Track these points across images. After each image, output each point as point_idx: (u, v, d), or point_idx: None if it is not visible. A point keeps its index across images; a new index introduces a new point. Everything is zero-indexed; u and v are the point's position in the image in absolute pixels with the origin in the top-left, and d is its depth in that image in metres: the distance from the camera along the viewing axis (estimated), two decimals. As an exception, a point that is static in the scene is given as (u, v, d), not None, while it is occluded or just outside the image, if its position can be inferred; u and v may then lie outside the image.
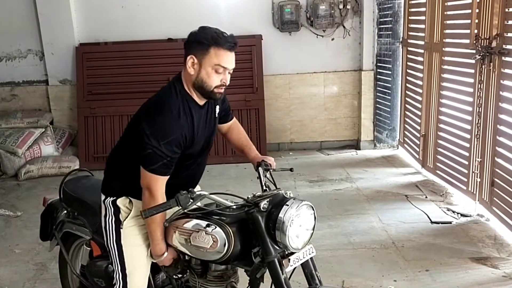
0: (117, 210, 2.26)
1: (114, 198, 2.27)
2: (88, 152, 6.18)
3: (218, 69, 2.10)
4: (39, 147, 6.04)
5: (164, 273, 2.36)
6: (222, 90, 2.17)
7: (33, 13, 6.25)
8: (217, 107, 2.35)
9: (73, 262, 2.81)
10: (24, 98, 6.53)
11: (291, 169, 2.39)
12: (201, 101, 2.21)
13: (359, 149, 6.43)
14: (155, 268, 2.33)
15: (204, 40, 2.07)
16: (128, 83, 6.13)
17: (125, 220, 2.25)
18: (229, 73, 2.16)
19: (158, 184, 2.11)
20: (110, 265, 2.31)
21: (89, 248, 2.52)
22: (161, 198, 2.11)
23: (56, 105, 6.49)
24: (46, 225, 2.79)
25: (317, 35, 6.30)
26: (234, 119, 2.59)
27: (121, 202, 2.26)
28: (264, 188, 2.20)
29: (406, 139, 5.94)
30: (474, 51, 4.08)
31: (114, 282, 2.28)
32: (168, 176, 2.14)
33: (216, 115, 2.35)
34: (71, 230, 2.68)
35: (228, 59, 2.10)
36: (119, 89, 6.12)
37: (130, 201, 2.27)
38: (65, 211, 2.71)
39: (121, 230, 2.25)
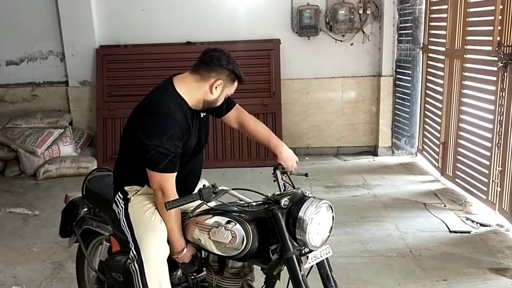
0: (125, 194, 2.36)
1: (123, 189, 2.38)
2: (106, 153, 6.24)
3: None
4: (58, 147, 6.11)
5: (182, 270, 2.40)
6: None
7: (55, 15, 6.33)
8: None
9: (91, 259, 2.84)
10: (44, 99, 6.62)
11: (306, 174, 2.43)
12: (193, 106, 2.30)
13: (377, 155, 6.37)
14: (171, 266, 2.34)
15: (236, 73, 2.26)
16: (147, 85, 5.99)
17: (132, 196, 2.33)
18: None
19: (169, 182, 2.19)
20: (128, 259, 2.33)
21: (108, 244, 2.56)
22: (173, 196, 2.17)
23: (76, 106, 6.56)
24: (66, 221, 2.84)
25: (336, 40, 6.27)
26: (238, 108, 2.58)
27: (129, 188, 2.36)
28: (283, 189, 2.23)
29: (425, 146, 5.87)
30: (496, 58, 4.02)
31: (131, 258, 2.27)
32: (176, 173, 2.20)
33: (203, 115, 2.40)
34: (91, 227, 2.72)
35: None
36: (138, 91, 6.06)
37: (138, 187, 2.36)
38: (86, 208, 2.76)
39: (128, 204, 2.32)
